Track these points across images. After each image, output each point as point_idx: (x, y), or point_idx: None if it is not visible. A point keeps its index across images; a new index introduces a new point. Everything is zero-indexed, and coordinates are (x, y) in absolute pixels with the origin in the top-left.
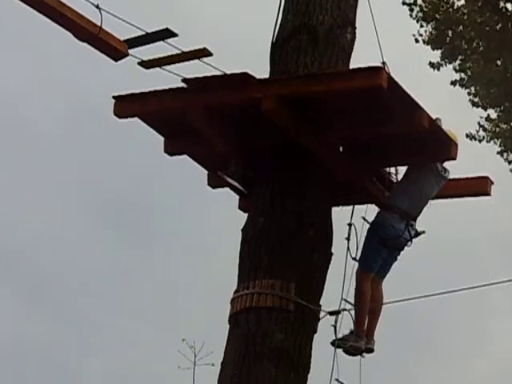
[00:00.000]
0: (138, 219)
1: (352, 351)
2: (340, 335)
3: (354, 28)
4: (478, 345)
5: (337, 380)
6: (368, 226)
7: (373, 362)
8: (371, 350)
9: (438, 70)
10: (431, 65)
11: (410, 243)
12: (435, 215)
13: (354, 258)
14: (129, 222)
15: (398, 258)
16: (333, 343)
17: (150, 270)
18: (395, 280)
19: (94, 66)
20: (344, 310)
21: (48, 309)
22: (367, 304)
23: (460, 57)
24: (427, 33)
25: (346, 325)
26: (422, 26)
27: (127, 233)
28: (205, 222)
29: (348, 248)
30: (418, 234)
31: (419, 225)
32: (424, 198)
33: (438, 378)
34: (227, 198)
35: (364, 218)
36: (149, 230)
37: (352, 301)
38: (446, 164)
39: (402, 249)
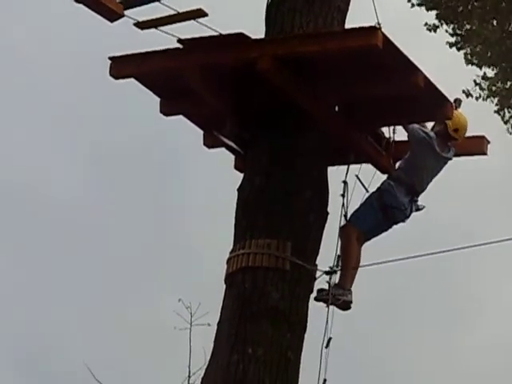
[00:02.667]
0: (147, 178)
1: (343, 306)
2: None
3: None
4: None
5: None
6: (360, 184)
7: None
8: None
9: (435, 31)
10: (427, 27)
11: (407, 219)
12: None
13: (346, 215)
14: (131, 181)
15: (390, 230)
16: (318, 298)
17: (145, 229)
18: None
19: (89, 26)
20: (338, 268)
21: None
22: (355, 257)
23: (455, 20)
24: None
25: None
26: None
27: (136, 192)
28: (200, 181)
29: (343, 204)
30: (418, 209)
31: None
32: (429, 175)
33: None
34: (223, 158)
35: (357, 177)
36: (145, 188)
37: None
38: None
39: (398, 223)
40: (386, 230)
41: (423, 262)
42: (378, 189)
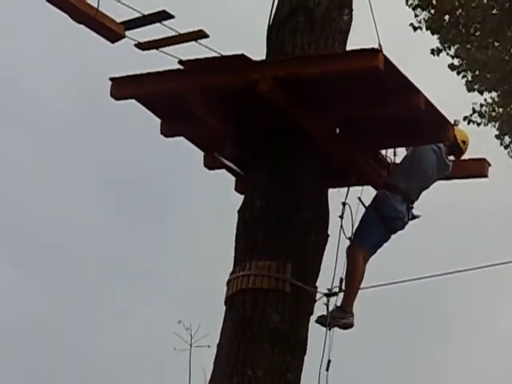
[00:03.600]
0: (147, 201)
1: (344, 327)
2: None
3: (351, 10)
4: (487, 322)
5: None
6: (362, 206)
7: (381, 339)
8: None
9: (438, 55)
10: (431, 51)
11: (405, 227)
12: (435, 195)
13: (350, 238)
14: (141, 206)
15: (389, 240)
16: (319, 321)
17: (146, 250)
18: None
19: (90, 47)
20: (341, 291)
21: (50, 280)
22: (360, 279)
23: (457, 42)
24: (423, 20)
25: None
26: (416, 15)
27: (137, 215)
28: (202, 203)
29: (341, 226)
30: (413, 217)
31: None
32: (426, 182)
33: (449, 354)
34: (223, 180)
35: (360, 199)
36: (147, 211)
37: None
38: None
39: (396, 231)
40: (386, 241)
41: (414, 285)
42: (374, 201)
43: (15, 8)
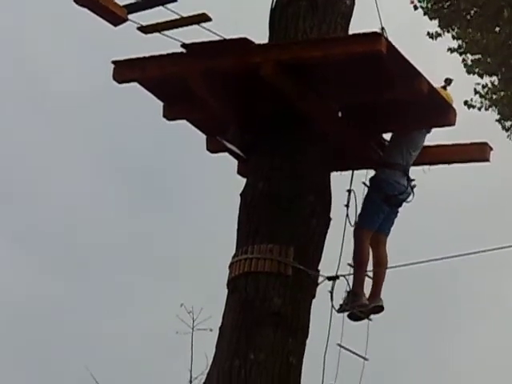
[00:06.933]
0: (150, 184)
1: (359, 314)
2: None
3: None
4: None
5: (339, 345)
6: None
7: (389, 323)
8: (381, 308)
9: (436, 39)
10: (429, 35)
11: (410, 198)
12: (439, 179)
13: (355, 222)
14: (143, 188)
15: (398, 213)
16: (339, 310)
17: (152, 234)
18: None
19: (92, 30)
20: (342, 275)
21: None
22: (367, 261)
23: (457, 27)
24: (424, 2)
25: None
26: None
27: (140, 198)
28: (204, 187)
29: (347, 215)
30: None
31: None
32: (416, 150)
33: (456, 338)
34: (226, 163)
35: (364, 183)
36: (151, 194)
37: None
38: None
39: (401, 205)
40: (396, 217)
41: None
42: (374, 181)
43: None
